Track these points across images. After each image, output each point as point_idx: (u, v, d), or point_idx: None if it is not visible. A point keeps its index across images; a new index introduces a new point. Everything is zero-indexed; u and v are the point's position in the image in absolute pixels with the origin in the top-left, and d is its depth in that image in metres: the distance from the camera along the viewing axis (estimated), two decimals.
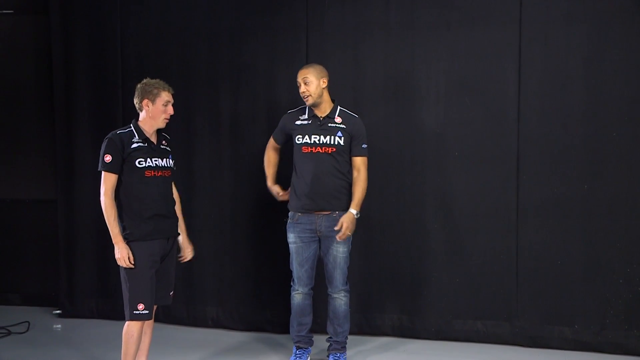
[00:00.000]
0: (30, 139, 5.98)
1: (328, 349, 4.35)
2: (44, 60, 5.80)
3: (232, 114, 5.14)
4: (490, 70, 4.69)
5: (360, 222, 4.87)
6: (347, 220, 4.09)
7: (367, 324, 4.96)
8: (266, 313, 5.07)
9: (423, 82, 4.81)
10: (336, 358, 4.27)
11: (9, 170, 6.03)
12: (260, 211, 5.03)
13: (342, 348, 4.31)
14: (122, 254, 3.61)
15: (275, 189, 4.44)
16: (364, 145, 4.23)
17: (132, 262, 3.62)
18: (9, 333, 5.12)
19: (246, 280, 5.16)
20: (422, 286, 4.86)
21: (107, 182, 3.65)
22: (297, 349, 4.38)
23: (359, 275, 4.95)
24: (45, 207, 5.84)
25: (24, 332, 5.16)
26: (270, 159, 4.47)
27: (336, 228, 4.10)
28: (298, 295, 4.32)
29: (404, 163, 4.86)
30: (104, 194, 3.64)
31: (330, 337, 4.34)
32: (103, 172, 3.66)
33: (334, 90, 4.90)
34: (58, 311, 5.62)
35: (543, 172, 4.61)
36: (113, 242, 3.64)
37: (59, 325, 5.34)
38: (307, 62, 4.91)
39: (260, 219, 5.04)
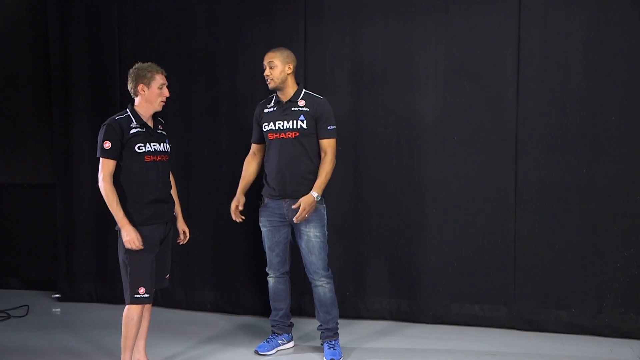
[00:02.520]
0: (28, 124, 5.98)
1: (321, 337, 4.31)
2: (41, 44, 5.78)
3: (230, 97, 5.13)
4: (489, 54, 4.67)
5: (358, 205, 4.92)
6: (305, 202, 4.00)
7: (364, 308, 4.99)
8: (264, 297, 5.07)
9: (421, 66, 4.79)
10: (331, 346, 4.21)
11: (7, 155, 6.04)
12: (258, 195, 5.02)
13: (335, 334, 4.27)
14: (131, 237, 3.60)
15: (235, 203, 4.30)
16: (330, 127, 4.11)
17: (142, 244, 3.62)
18: (9, 317, 5.15)
19: (244, 264, 5.17)
20: (420, 270, 4.88)
21: (106, 168, 3.64)
22: (271, 333, 4.40)
23: (356, 259, 4.97)
24: (43, 191, 5.85)
25: (23, 316, 5.19)
26: (245, 170, 4.36)
27: (293, 207, 4.04)
28: (270, 280, 4.34)
29: (402, 147, 4.85)
30: (103, 180, 3.63)
31: (320, 325, 4.29)
32: (101, 159, 3.65)
33: (332, 74, 4.92)
34: (57, 295, 5.65)
35: (541, 157, 4.60)
36: (119, 225, 3.63)
37: (58, 309, 5.37)
38: (305, 45, 4.91)
39: (258, 204, 5.04)
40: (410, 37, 4.81)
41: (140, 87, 3.73)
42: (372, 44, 4.87)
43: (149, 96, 3.73)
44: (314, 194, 4.04)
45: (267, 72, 4.10)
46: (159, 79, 3.75)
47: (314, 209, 4.07)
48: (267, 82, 4.12)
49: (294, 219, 4.06)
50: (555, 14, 4.54)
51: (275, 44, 4.95)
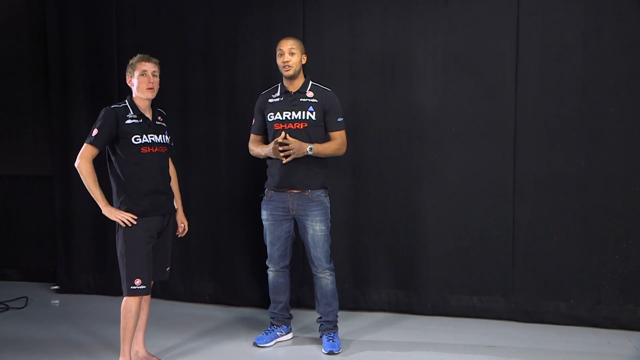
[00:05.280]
0: (27, 115, 5.96)
1: (320, 330, 4.31)
2: (39, 35, 5.76)
3: (229, 89, 5.12)
4: (487, 45, 4.65)
5: (357, 197, 4.91)
6: (298, 144, 3.96)
7: (363, 299, 4.99)
8: (263, 289, 5.08)
9: (420, 57, 4.78)
10: (330, 338, 4.21)
11: (5, 146, 6.03)
12: (257, 187, 5.01)
13: (334, 327, 4.28)
14: (115, 216, 3.62)
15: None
16: (340, 119, 4.14)
17: (132, 219, 3.62)
18: (8, 308, 5.14)
19: (243, 256, 5.17)
20: (418, 262, 4.88)
21: (85, 152, 3.64)
22: (270, 325, 4.42)
23: (355, 251, 4.97)
24: (42, 183, 5.85)
25: (22, 308, 5.19)
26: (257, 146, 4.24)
27: (283, 139, 3.95)
28: (270, 273, 4.35)
29: (401, 138, 4.84)
30: (80, 157, 3.62)
31: (320, 318, 4.30)
32: (85, 143, 3.64)
33: (331, 65, 4.90)
34: (56, 286, 5.65)
35: (540, 148, 4.59)
36: (100, 206, 3.63)
37: (57, 301, 5.37)
38: (304, 36, 4.89)
39: (257, 195, 5.03)
40: (409, 27, 4.79)
41: (128, 79, 3.78)
42: (371, 34, 4.85)
43: (136, 86, 3.75)
44: (309, 145, 4.00)
45: (287, 58, 4.06)
46: (140, 67, 3.73)
47: (320, 202, 4.12)
48: (285, 69, 4.07)
49: (276, 139, 3.97)
50: (554, 4, 4.52)
51: (273, 35, 4.95)
